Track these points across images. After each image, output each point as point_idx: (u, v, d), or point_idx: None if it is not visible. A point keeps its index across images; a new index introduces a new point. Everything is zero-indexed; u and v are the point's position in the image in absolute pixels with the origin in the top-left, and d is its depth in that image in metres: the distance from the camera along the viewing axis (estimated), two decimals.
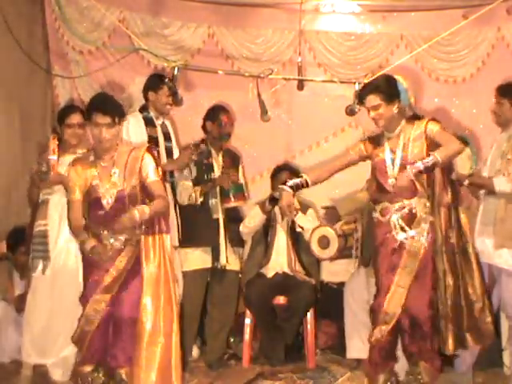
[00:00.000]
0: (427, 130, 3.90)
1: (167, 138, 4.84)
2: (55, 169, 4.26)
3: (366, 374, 4.07)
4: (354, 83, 4.45)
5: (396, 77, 4.06)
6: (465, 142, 4.72)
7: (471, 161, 4.44)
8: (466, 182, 4.23)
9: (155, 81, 4.78)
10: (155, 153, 3.92)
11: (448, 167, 3.96)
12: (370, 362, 4.01)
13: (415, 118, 4.06)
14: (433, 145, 3.89)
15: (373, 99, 3.92)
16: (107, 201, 3.75)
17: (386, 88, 3.94)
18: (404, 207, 3.89)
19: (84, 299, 3.79)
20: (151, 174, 3.77)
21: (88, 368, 3.81)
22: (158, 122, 4.80)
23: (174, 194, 4.84)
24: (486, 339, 4.01)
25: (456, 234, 3.93)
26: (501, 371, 4.51)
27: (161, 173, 3.87)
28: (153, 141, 4.64)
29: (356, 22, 5.78)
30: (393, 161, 3.94)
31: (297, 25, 4.98)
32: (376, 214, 4.00)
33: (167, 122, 4.90)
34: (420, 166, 3.78)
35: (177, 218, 4.80)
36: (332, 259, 5.07)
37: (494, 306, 4.26)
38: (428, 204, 3.90)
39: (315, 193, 5.22)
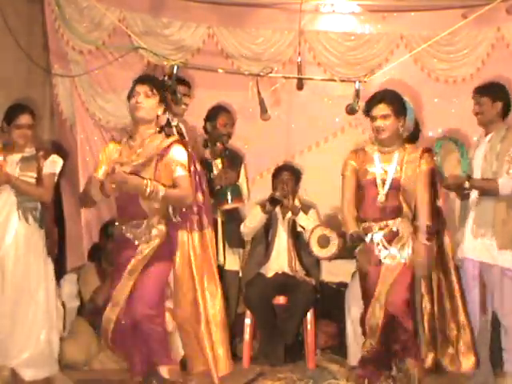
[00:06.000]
0: (421, 163, 3.97)
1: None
2: (3, 169, 4.21)
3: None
4: (354, 82, 4.45)
5: (404, 97, 4.10)
6: (457, 145, 4.73)
7: (461, 164, 4.42)
8: (467, 185, 4.21)
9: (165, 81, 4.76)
10: (186, 144, 3.80)
11: (434, 194, 4.05)
12: (364, 371, 4.04)
13: (411, 139, 4.13)
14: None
15: (383, 108, 3.95)
16: None
17: (396, 102, 3.99)
18: (387, 226, 3.96)
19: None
20: (178, 169, 3.63)
21: (137, 379, 3.75)
22: (173, 124, 4.78)
23: None
24: (467, 366, 4.04)
25: (437, 261, 4.03)
26: (501, 371, 4.50)
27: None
28: None
29: (356, 22, 5.78)
30: (383, 180, 3.98)
31: (297, 25, 4.98)
32: None
33: (181, 125, 4.88)
34: None
35: None
36: (331, 259, 5.08)
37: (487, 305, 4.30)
38: (411, 225, 3.97)
39: (319, 196, 5.26)
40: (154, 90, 3.69)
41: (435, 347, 4.02)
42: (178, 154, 3.68)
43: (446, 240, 4.07)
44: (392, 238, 3.95)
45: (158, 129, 3.74)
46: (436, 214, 4.09)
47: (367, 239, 3.99)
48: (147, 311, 3.59)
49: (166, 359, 3.67)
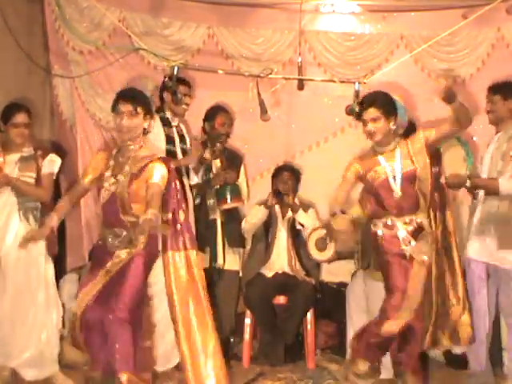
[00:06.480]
0: (426, 139, 3.97)
1: (182, 139, 4.82)
2: (2, 170, 4.20)
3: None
4: (354, 83, 4.45)
5: (394, 96, 4.10)
6: (460, 143, 4.74)
7: (466, 163, 4.44)
8: (468, 184, 4.22)
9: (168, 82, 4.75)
10: (170, 164, 3.76)
11: (436, 170, 4.11)
12: (359, 346, 4.05)
13: (408, 132, 4.14)
14: (434, 152, 4.02)
15: (373, 112, 3.96)
16: (104, 195, 3.69)
17: (386, 103, 4.01)
18: (411, 221, 3.97)
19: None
20: (154, 177, 3.59)
21: (93, 374, 3.75)
22: (174, 124, 4.79)
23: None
24: (464, 340, 4.12)
25: (440, 236, 4.08)
26: (501, 371, 4.50)
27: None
28: (170, 141, 4.64)
29: (356, 22, 5.77)
30: (394, 177, 3.99)
31: (297, 25, 4.99)
32: (378, 229, 4.02)
33: (182, 125, 4.89)
34: None
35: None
36: (330, 261, 5.09)
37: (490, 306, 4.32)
38: (427, 218, 4.04)
39: (319, 197, 5.26)
40: (138, 109, 3.64)
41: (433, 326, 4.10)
42: (157, 168, 3.62)
43: (449, 220, 4.13)
44: (417, 233, 3.95)
45: (142, 143, 3.72)
46: (440, 190, 4.16)
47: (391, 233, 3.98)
48: (119, 314, 3.56)
49: (124, 366, 3.58)
